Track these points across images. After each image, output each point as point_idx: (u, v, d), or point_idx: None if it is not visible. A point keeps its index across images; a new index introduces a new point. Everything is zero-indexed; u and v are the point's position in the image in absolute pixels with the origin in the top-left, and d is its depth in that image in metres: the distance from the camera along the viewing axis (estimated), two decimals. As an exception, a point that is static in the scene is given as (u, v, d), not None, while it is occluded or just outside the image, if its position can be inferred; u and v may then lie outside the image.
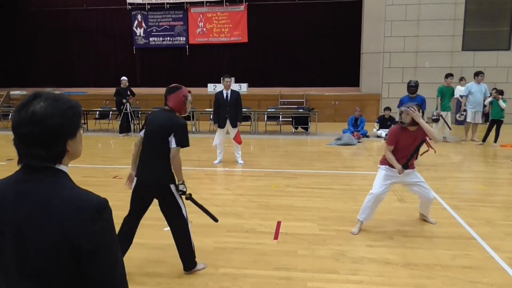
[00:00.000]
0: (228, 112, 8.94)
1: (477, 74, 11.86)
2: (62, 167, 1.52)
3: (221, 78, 9.11)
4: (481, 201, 6.58)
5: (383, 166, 5.38)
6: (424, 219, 5.70)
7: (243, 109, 9.51)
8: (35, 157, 1.46)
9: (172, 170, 3.93)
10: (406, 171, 5.23)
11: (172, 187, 3.94)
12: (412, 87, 9.30)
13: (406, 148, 5.27)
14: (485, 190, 7.23)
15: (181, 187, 3.97)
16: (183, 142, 3.89)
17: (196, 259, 4.21)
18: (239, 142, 9.14)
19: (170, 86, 4.15)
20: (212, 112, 9.15)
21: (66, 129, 1.49)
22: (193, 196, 4.10)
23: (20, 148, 1.47)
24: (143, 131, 4.08)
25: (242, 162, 9.08)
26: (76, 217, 1.40)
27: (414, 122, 5.15)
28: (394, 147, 5.28)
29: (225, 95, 8.95)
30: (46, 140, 1.44)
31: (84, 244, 1.39)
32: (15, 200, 1.45)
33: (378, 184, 5.29)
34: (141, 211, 4.06)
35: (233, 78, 18.26)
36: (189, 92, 4.17)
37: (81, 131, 1.59)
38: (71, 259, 1.40)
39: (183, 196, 4.02)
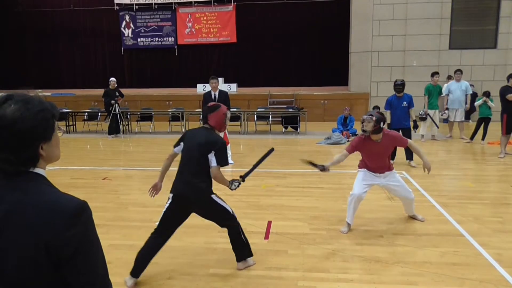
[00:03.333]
0: None
1: (455, 72, 12.03)
2: (38, 170, 1.46)
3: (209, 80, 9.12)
4: (470, 198, 6.64)
5: (361, 169, 5.43)
6: (412, 217, 5.74)
7: (232, 109, 9.54)
8: (6, 161, 1.40)
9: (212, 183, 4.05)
10: (384, 173, 5.29)
11: (214, 196, 4.05)
12: (399, 86, 9.35)
13: (375, 157, 5.24)
14: (473, 188, 7.30)
15: (233, 186, 4.14)
16: (222, 161, 3.96)
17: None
18: (227, 142, 9.07)
19: (209, 105, 4.21)
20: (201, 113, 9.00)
21: (38, 133, 1.43)
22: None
23: None
24: (177, 147, 4.16)
25: (232, 162, 9.05)
26: (52, 222, 1.34)
27: (376, 131, 5.04)
28: (362, 153, 5.30)
29: (213, 96, 8.93)
30: (15, 144, 1.39)
31: (61, 250, 1.34)
32: None
33: (358, 185, 5.31)
34: (176, 226, 4.07)
35: (221, 79, 18.35)
36: (228, 109, 4.28)
37: (60, 134, 1.53)
38: (50, 266, 1.36)
39: (237, 184, 4.18)
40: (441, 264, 4.36)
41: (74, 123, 14.76)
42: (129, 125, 14.48)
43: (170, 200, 3.99)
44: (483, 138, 11.17)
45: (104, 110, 13.87)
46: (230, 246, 4.77)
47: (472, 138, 11.48)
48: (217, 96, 8.90)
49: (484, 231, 5.25)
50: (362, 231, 5.30)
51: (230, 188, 4.13)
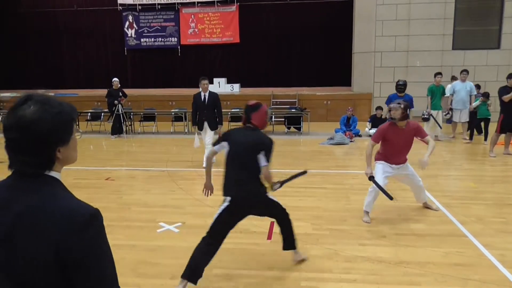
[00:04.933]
0: (205, 114, 8.71)
1: (461, 72, 11.94)
2: (54, 173, 1.45)
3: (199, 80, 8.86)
4: (472, 199, 6.63)
5: (379, 161, 5.62)
6: (427, 207, 6.05)
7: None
8: (23, 163, 1.40)
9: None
10: (400, 165, 5.57)
11: (267, 194, 4.08)
12: (401, 86, 9.44)
13: (398, 145, 5.47)
14: (476, 188, 7.29)
15: (276, 187, 4.19)
16: (270, 159, 3.98)
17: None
18: None
19: (251, 104, 4.14)
20: (196, 114, 8.86)
21: (56, 136, 1.42)
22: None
23: (9, 153, 1.41)
24: (218, 146, 4.12)
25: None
26: (63, 228, 1.33)
27: (403, 117, 5.32)
28: (385, 143, 5.46)
29: (202, 97, 8.71)
30: (33, 147, 1.38)
31: (71, 255, 1.33)
32: (2, 207, 1.39)
33: (379, 177, 5.50)
34: (229, 230, 4.00)
35: (224, 79, 18.41)
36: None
37: (78, 136, 1.53)
38: (58, 271, 1.35)
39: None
40: (444, 264, 4.36)
41: (77, 123, 14.71)
42: (132, 125, 14.49)
43: (227, 204, 3.90)
44: (485, 139, 11.14)
45: (107, 110, 13.88)
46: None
47: (471, 138, 11.47)
48: (207, 97, 8.69)
49: (487, 232, 5.25)
50: (365, 231, 5.30)
51: (272, 189, 4.14)
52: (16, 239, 1.36)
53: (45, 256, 1.33)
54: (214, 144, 4.20)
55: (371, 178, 5.43)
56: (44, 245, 1.33)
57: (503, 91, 9.39)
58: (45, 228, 1.34)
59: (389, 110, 5.43)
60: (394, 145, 5.48)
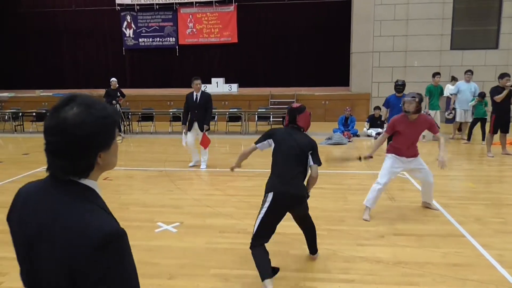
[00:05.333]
0: (196, 115, 8.65)
1: (465, 72, 11.92)
2: (89, 182, 1.38)
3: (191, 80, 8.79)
4: (471, 199, 6.63)
5: (389, 155, 5.68)
6: (427, 206, 6.07)
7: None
8: (59, 168, 1.32)
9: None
10: (410, 158, 5.64)
11: (308, 196, 4.25)
12: (399, 86, 9.47)
13: (409, 137, 5.56)
14: (475, 188, 7.29)
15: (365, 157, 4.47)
16: (319, 161, 4.17)
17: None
18: (205, 146, 8.72)
19: (296, 106, 4.29)
20: (187, 114, 8.74)
21: (98, 141, 1.34)
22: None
23: (47, 156, 1.34)
24: (261, 144, 4.25)
25: (205, 167, 8.79)
26: (79, 246, 1.24)
27: (417, 111, 5.40)
28: (397, 135, 5.50)
29: (194, 97, 8.67)
30: (73, 151, 1.30)
31: (84, 276, 1.24)
32: (33, 209, 1.35)
33: (386, 173, 5.56)
34: (276, 226, 4.00)
35: (223, 79, 18.41)
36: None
37: (119, 141, 1.46)
38: (72, 286, 1.26)
39: None
40: (443, 264, 4.36)
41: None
42: (130, 125, 14.48)
43: (270, 200, 3.88)
44: (483, 139, 11.14)
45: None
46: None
47: (469, 138, 11.47)
48: (198, 97, 8.64)
49: (486, 232, 5.25)
50: (363, 232, 5.29)
51: (362, 159, 4.52)
52: (39, 245, 1.31)
53: (59, 272, 1.27)
54: (257, 142, 4.29)
55: (363, 158, 5.58)
56: (58, 260, 1.26)
57: (494, 91, 9.44)
58: (63, 241, 1.26)
59: (403, 104, 5.48)
60: (405, 138, 5.57)
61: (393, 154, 5.64)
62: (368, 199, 5.66)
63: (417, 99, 5.38)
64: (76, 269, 1.24)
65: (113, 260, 1.27)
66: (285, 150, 4.05)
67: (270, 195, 3.89)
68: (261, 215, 3.88)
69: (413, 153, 5.70)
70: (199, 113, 8.63)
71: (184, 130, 8.78)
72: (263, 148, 4.27)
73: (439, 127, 11.61)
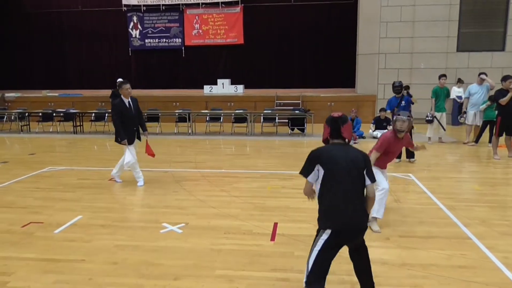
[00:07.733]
0: (135, 123, 7.64)
1: (479, 75, 11.62)
2: None
3: (118, 85, 7.66)
4: (476, 201, 6.61)
5: (374, 168, 5.60)
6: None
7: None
8: None
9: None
10: (384, 170, 5.69)
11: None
12: (397, 87, 9.52)
13: (394, 154, 5.65)
14: (480, 190, 7.26)
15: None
16: (373, 178, 3.50)
17: None
18: (153, 155, 8.00)
19: (337, 115, 3.60)
20: (124, 126, 7.50)
21: None
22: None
23: None
24: (312, 175, 3.49)
25: (142, 184, 7.72)
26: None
27: (409, 130, 5.50)
28: (385, 152, 5.44)
29: (126, 103, 7.47)
30: None
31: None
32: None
33: (383, 179, 5.50)
34: (330, 263, 3.41)
35: (228, 80, 18.44)
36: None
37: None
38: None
39: None
40: (448, 267, 4.35)
41: (81, 124, 14.82)
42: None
43: (328, 238, 3.30)
44: (489, 141, 11.08)
45: (111, 110, 13.90)
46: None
47: (477, 141, 11.40)
48: (131, 103, 7.54)
49: (491, 234, 5.23)
50: (368, 233, 5.26)
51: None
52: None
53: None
54: (302, 171, 3.56)
55: None
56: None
57: (499, 94, 9.40)
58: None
59: (395, 122, 5.39)
60: (393, 155, 5.64)
61: (377, 167, 5.48)
62: (377, 210, 5.34)
63: (411, 119, 5.43)
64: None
65: None
66: (339, 175, 3.35)
67: (328, 232, 3.31)
68: (314, 256, 3.32)
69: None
70: (136, 121, 7.67)
71: (127, 146, 7.54)
72: (315, 180, 3.50)
73: (444, 129, 11.59)
